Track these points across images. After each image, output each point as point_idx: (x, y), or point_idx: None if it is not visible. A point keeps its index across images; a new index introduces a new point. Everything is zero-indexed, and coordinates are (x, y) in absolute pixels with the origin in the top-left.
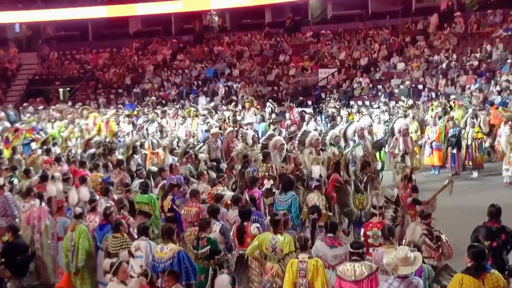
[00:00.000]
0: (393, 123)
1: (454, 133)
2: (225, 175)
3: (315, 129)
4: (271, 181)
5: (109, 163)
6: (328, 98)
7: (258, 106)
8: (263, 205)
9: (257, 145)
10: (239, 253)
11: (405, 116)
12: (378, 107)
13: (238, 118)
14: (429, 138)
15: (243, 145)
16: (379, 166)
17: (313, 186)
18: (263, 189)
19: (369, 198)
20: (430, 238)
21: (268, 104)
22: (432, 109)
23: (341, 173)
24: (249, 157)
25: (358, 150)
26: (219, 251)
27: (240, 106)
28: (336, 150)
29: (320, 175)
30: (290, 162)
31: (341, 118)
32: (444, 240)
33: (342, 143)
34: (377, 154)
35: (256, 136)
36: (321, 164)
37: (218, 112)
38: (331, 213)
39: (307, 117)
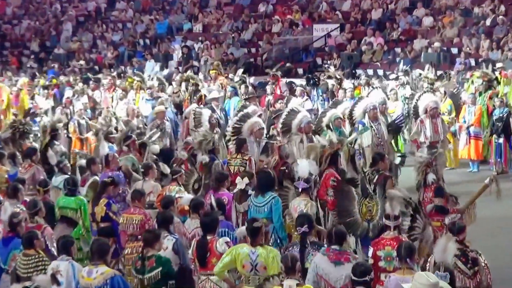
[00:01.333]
0: (416, 100)
1: (501, 115)
2: (183, 170)
3: (309, 109)
4: (246, 179)
5: (17, 153)
6: (326, 66)
7: (228, 75)
8: (234, 213)
9: (218, 130)
10: (200, 279)
11: (433, 91)
12: (396, 78)
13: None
14: (465, 122)
15: (208, 129)
16: (397, 160)
17: (300, 189)
18: (235, 190)
19: (379, 205)
20: (464, 261)
21: (236, 76)
22: (472, 82)
23: (339, 169)
24: (216, 145)
25: (366, 138)
26: (173, 274)
27: (201, 75)
28: (334, 136)
29: (310, 173)
30: (274, 152)
31: (344, 92)
32: (483, 264)
33: (347, 128)
34: (394, 142)
35: (217, 117)
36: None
37: (173, 83)
38: (322, 227)
39: (298, 91)
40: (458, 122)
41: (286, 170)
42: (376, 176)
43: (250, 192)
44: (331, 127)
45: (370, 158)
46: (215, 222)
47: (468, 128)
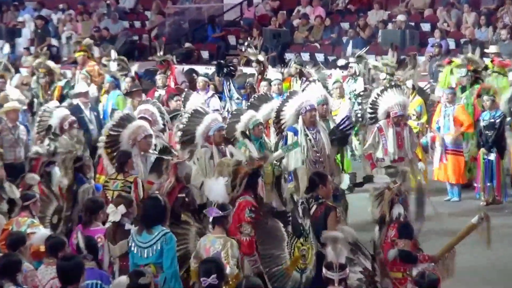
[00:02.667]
0: (375, 98)
1: (492, 120)
2: (38, 194)
3: (217, 109)
4: (121, 208)
5: None
6: (243, 47)
7: (106, 61)
8: (107, 257)
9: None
10: None
11: (395, 86)
12: (345, 67)
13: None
14: (439, 129)
15: (78, 138)
16: (345, 184)
17: (210, 220)
18: (106, 224)
19: (316, 248)
20: None
21: (113, 61)
22: (452, 72)
23: (258, 196)
24: (84, 160)
25: (294, 158)
26: None
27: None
28: (253, 150)
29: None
30: (169, 172)
31: (269, 85)
32: None
33: (271, 137)
34: (341, 158)
35: (87, 120)
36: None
37: (22, 70)
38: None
39: (200, 83)
40: (430, 129)
41: (186, 198)
42: (314, 207)
43: (128, 226)
44: (250, 137)
45: (304, 180)
46: (78, 270)
47: (443, 140)
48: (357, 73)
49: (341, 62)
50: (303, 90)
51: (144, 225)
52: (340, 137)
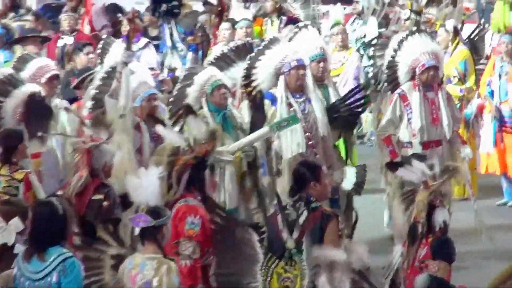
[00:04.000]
0: (395, 51)
1: None
2: None
3: (152, 68)
4: (16, 222)
5: None
6: None
7: None
8: None
9: None
10: None
11: (420, 31)
12: (345, 1)
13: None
14: (492, 95)
15: None
16: (348, 183)
17: (137, 233)
18: None
19: (306, 274)
20: None
21: None
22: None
23: (208, 197)
24: None
25: (290, 140)
26: None
27: None
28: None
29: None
30: (79, 161)
31: (232, 29)
32: None
33: (244, 109)
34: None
35: None
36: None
37: None
38: None
39: (125, 25)
40: (478, 95)
41: (105, 202)
42: (304, 214)
43: (19, 248)
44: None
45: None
46: None
47: (499, 108)
48: (364, 12)
49: None
50: (290, 39)
51: (34, 247)
52: (345, 117)
